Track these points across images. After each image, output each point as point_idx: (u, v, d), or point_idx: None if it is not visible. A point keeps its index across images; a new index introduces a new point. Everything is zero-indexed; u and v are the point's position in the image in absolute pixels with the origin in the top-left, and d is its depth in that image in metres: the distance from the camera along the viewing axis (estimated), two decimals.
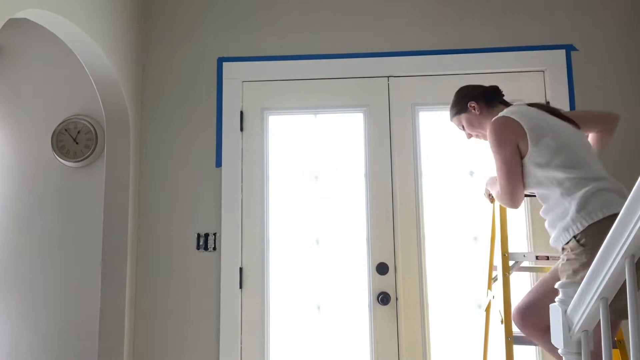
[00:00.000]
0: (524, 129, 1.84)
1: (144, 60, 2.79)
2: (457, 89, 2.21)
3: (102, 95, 2.54)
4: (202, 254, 2.63)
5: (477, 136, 2.15)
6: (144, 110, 2.76)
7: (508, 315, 2.03)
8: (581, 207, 1.73)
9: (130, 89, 2.62)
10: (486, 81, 2.65)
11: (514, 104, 2.09)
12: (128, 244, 2.54)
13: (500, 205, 2.16)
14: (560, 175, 1.79)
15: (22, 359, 2.72)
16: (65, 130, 2.81)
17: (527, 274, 2.54)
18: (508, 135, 1.86)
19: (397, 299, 2.54)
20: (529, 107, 1.95)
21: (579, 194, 1.74)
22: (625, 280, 1.20)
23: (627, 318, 1.26)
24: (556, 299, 1.54)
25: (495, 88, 2.15)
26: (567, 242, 1.77)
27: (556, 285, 1.53)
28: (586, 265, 1.63)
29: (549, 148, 1.82)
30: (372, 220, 2.60)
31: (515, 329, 2.04)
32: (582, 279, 1.37)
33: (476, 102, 2.09)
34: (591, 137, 2.09)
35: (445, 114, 2.69)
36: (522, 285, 2.55)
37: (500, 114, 1.93)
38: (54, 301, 2.74)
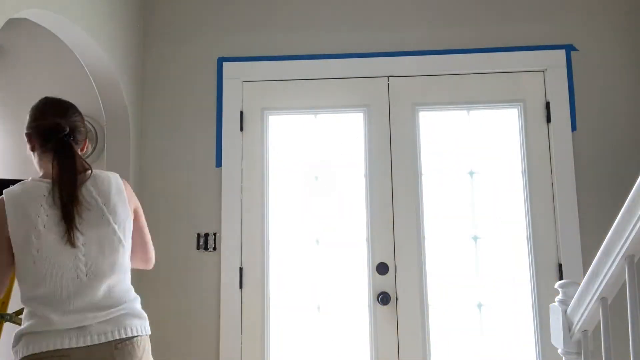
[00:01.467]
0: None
1: (144, 60, 2.79)
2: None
3: (102, 95, 2.54)
4: (202, 254, 2.63)
5: None
6: (144, 110, 2.76)
7: None
8: None
9: (130, 88, 2.62)
10: (487, 81, 2.66)
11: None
12: None
13: None
14: None
15: None
16: None
17: None
18: None
19: (397, 298, 2.54)
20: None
21: None
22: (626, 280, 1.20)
23: None
24: (556, 299, 1.54)
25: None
26: None
27: (556, 285, 1.53)
28: None
29: None
30: (372, 220, 2.60)
31: None
32: None
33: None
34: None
35: (445, 114, 2.69)
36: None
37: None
38: None
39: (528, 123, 2.62)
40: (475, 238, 2.60)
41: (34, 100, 2.88)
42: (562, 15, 2.67)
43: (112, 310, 1.49)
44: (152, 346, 2.58)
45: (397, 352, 2.50)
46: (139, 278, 2.63)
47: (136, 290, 2.62)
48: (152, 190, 2.69)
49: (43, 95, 2.89)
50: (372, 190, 2.62)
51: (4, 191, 1.48)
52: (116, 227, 1.53)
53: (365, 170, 2.65)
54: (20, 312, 2.07)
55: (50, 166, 1.53)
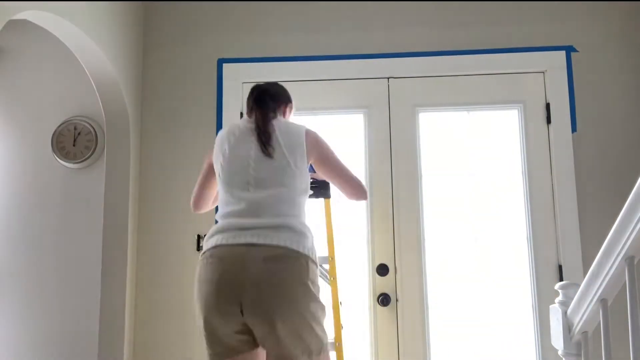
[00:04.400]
0: None
1: (144, 62, 2.79)
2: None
3: (102, 96, 2.54)
4: None
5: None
6: (144, 111, 2.76)
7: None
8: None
9: (130, 90, 2.62)
10: (487, 82, 2.66)
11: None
12: (128, 245, 2.54)
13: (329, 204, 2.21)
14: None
15: (23, 358, 2.72)
16: (67, 131, 2.81)
17: None
18: None
19: (397, 300, 2.54)
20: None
21: None
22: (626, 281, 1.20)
23: None
24: (556, 300, 1.54)
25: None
26: None
27: (556, 287, 1.53)
28: None
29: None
30: (372, 221, 2.60)
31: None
32: None
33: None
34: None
35: (445, 115, 2.69)
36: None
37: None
38: (54, 301, 2.74)
39: (528, 124, 2.62)
40: (475, 239, 2.60)
41: (34, 102, 2.88)
42: (563, 16, 2.67)
43: (270, 221, 1.64)
44: (152, 346, 2.58)
45: (397, 353, 2.50)
46: (138, 279, 2.63)
47: (136, 291, 2.63)
48: (152, 191, 2.69)
49: (43, 96, 2.89)
50: (372, 191, 2.62)
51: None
52: (290, 159, 1.75)
53: (365, 171, 2.65)
54: None
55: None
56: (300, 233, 1.67)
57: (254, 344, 1.64)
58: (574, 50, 2.64)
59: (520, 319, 2.52)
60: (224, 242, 1.62)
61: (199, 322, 1.66)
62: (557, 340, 1.53)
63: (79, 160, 2.79)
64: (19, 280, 2.78)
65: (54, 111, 2.87)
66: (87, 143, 2.80)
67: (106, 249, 2.54)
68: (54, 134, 2.81)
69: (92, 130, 2.80)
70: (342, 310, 2.51)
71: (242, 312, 1.58)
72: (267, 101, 1.90)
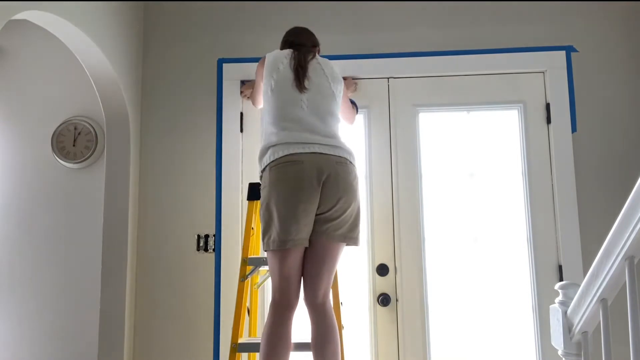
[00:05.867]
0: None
1: (144, 61, 2.79)
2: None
3: (102, 96, 2.54)
4: (203, 255, 2.62)
5: None
6: (144, 111, 2.76)
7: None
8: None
9: (130, 89, 2.62)
10: (487, 82, 2.66)
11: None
12: (128, 245, 2.54)
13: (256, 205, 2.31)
14: None
15: (23, 358, 2.72)
16: (67, 131, 2.81)
17: None
18: None
19: (397, 300, 2.54)
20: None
21: None
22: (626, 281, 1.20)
23: None
24: (556, 300, 1.54)
25: None
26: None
27: (556, 287, 1.53)
28: None
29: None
30: (372, 222, 2.60)
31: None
32: None
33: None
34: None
35: (445, 115, 2.69)
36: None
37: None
38: (54, 302, 2.74)
39: (528, 124, 2.62)
40: (475, 239, 2.60)
41: (34, 102, 2.89)
42: (563, 16, 2.67)
43: (329, 139, 1.97)
44: (152, 346, 2.59)
45: (397, 354, 2.50)
46: (138, 280, 2.63)
47: (135, 291, 2.63)
48: (151, 191, 2.69)
49: (43, 96, 2.89)
50: (372, 191, 2.62)
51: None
52: (332, 84, 2.09)
53: (366, 172, 2.65)
54: None
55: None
56: (350, 152, 2.02)
57: (307, 241, 1.93)
58: (574, 50, 2.64)
59: (520, 319, 2.52)
60: (298, 150, 1.89)
61: (272, 214, 1.88)
62: (557, 340, 1.53)
63: (79, 160, 2.79)
64: (19, 280, 2.78)
65: (54, 111, 2.87)
66: (87, 143, 2.80)
67: (106, 249, 2.54)
68: (54, 134, 2.81)
69: (92, 130, 2.81)
70: (343, 310, 2.50)
71: (320, 199, 1.88)
72: (306, 42, 2.22)
